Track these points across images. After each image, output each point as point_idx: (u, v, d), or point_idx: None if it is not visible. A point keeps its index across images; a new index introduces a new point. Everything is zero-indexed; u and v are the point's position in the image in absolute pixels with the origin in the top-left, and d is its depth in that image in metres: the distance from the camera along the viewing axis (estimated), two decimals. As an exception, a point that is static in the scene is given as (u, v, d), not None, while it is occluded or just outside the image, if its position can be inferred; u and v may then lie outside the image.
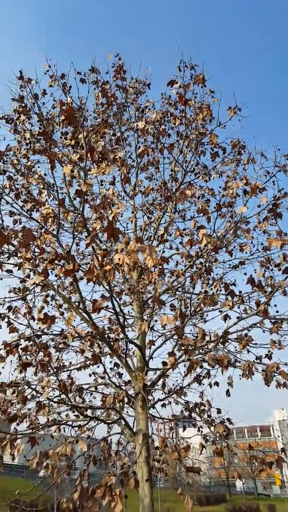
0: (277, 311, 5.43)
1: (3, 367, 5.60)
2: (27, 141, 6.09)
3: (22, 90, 6.03)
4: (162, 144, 5.56)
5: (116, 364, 6.58)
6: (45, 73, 6.21)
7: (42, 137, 4.93)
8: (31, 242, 4.02)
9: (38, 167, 6.48)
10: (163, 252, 5.26)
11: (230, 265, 6.39)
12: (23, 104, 5.81)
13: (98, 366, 6.18)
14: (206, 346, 4.49)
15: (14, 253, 5.77)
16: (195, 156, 5.49)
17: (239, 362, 5.08)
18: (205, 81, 5.08)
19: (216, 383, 5.70)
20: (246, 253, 6.32)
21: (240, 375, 4.86)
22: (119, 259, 3.53)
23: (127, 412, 5.65)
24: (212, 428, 5.07)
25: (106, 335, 5.52)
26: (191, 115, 5.33)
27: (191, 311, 4.62)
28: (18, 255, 5.64)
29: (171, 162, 6.05)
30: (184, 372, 6.14)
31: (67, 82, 6.08)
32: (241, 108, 5.16)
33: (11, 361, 5.76)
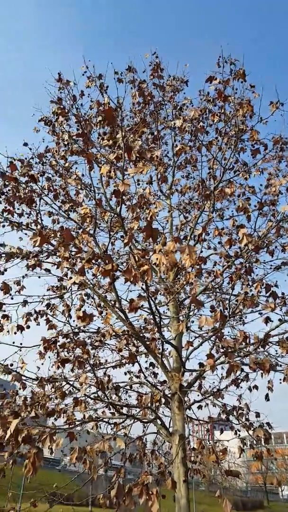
0: None
1: (42, 364, 5.74)
2: (65, 143, 6.20)
3: (60, 92, 6.14)
4: (200, 142, 5.47)
5: (151, 364, 6.58)
6: (83, 74, 6.29)
7: (80, 138, 4.99)
8: (70, 242, 4.08)
9: (76, 168, 6.59)
10: (201, 252, 5.19)
11: (271, 265, 6.21)
12: (62, 106, 5.91)
13: (133, 365, 6.21)
14: (246, 349, 4.38)
15: (53, 252, 5.90)
16: (234, 153, 5.36)
17: (280, 365, 4.93)
18: (245, 76, 4.94)
19: (255, 387, 5.57)
20: (289, 253, 6.10)
21: (281, 379, 4.72)
22: (157, 259, 3.51)
23: (162, 412, 5.64)
24: (250, 432, 4.95)
25: (142, 335, 5.53)
26: (231, 111, 5.20)
27: (230, 313, 4.52)
28: (57, 254, 5.76)
29: (209, 159, 5.95)
30: (222, 374, 6.05)
31: (104, 83, 6.13)
32: (284, 102, 4.98)
33: (49, 357, 5.92)
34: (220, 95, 4.76)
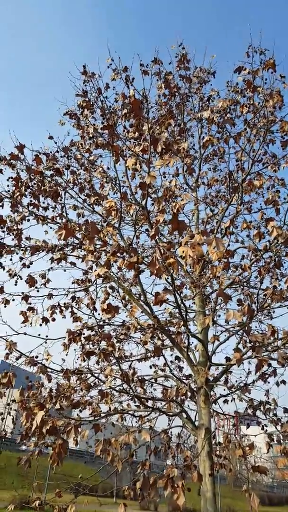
0: None
1: (66, 354, 5.79)
2: (90, 136, 6.19)
3: (85, 85, 6.12)
4: (228, 133, 5.35)
5: (177, 357, 6.56)
6: (108, 67, 6.23)
7: (105, 131, 4.96)
8: (95, 235, 4.08)
9: (101, 161, 6.58)
10: (228, 245, 5.11)
11: (301, 259, 6.03)
12: (87, 99, 5.90)
13: (159, 359, 6.21)
14: (274, 344, 4.30)
15: (78, 246, 5.93)
16: (263, 145, 5.22)
17: (310, 361, 4.80)
18: (275, 66, 4.78)
19: (283, 382, 5.48)
20: None
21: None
22: (183, 251, 3.46)
23: (188, 405, 5.63)
24: (278, 427, 4.88)
25: (167, 328, 5.51)
26: (259, 102, 5.06)
27: (258, 307, 4.44)
28: (82, 248, 5.79)
29: (237, 151, 5.84)
30: (249, 369, 5.98)
31: (129, 75, 6.06)
32: (315, 91, 4.79)
33: (75, 349, 5.97)
34: (249, 85, 4.63)
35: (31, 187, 5.51)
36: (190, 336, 5.05)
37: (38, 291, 6.05)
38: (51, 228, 6.19)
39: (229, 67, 5.05)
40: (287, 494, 41.90)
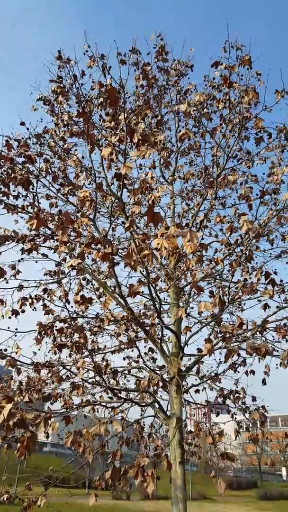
0: None
1: (39, 349, 5.70)
2: (65, 123, 6.04)
3: (60, 71, 5.94)
4: (204, 128, 5.37)
5: (150, 349, 6.62)
6: (84, 54, 6.08)
7: (80, 119, 4.86)
8: (69, 226, 4.03)
9: (76, 150, 6.44)
10: (202, 239, 5.16)
11: (270, 254, 6.20)
12: (62, 85, 5.73)
13: (133, 350, 6.23)
14: (243, 334, 4.42)
15: (50, 237, 5.81)
16: (238, 141, 5.30)
17: (277, 351, 4.99)
18: (251, 62, 4.83)
19: (252, 372, 5.65)
20: (289, 242, 6.06)
21: (277, 364, 4.79)
22: (158, 243, 3.47)
23: (160, 396, 5.70)
24: (247, 415, 5.04)
25: (141, 320, 5.53)
26: (235, 98, 5.11)
27: (229, 299, 4.54)
28: (55, 238, 5.68)
29: (212, 147, 5.88)
30: (220, 359, 6.12)
31: (106, 63, 5.93)
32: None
33: (46, 342, 5.89)
34: (225, 81, 4.66)
35: (0, 174, 5.33)
36: (163, 328, 5.10)
37: (7, 282, 5.87)
38: (21, 217, 6.01)
39: (208, 62, 5.06)
40: (255, 478, 43.74)
